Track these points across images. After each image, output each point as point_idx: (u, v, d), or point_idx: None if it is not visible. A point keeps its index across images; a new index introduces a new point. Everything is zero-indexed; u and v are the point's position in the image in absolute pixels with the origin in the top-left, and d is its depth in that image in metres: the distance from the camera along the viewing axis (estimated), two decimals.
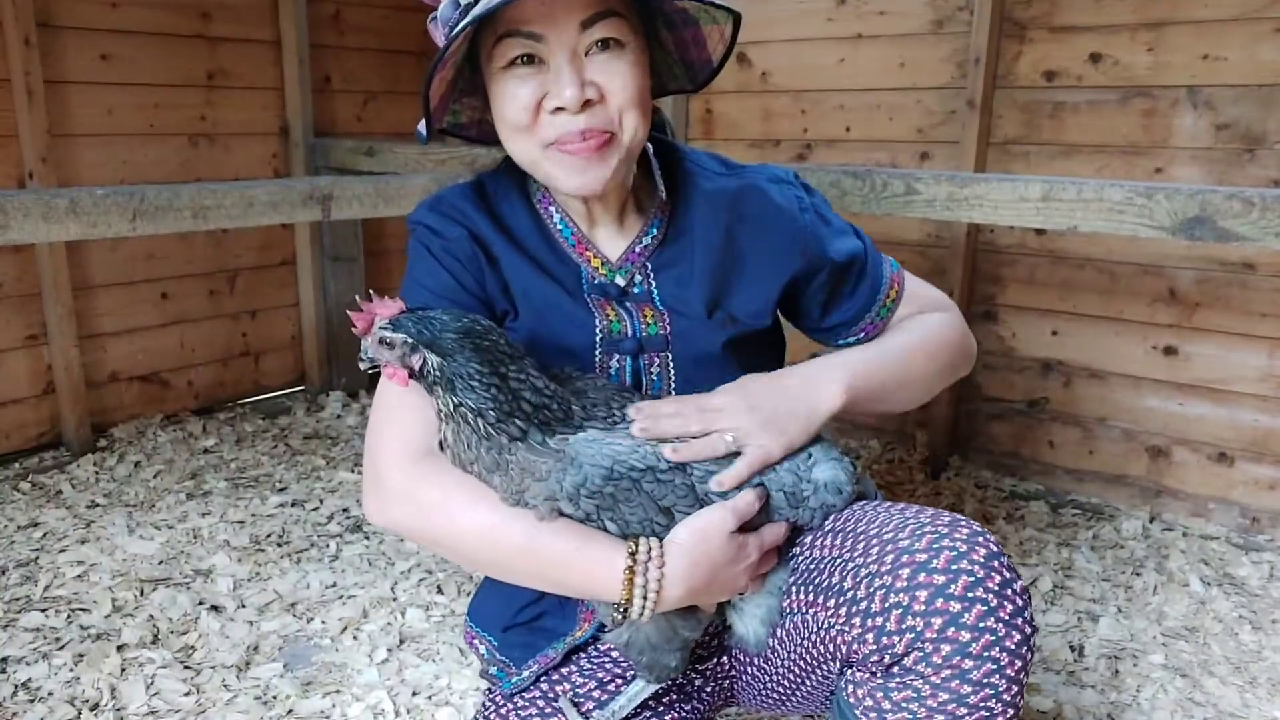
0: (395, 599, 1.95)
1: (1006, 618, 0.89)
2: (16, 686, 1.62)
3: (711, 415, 1.06)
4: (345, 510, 2.36)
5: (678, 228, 1.21)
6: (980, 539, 0.94)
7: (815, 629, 1.04)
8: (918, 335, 1.22)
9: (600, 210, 1.18)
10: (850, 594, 0.97)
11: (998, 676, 0.89)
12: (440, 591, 1.98)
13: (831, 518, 1.10)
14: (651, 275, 1.19)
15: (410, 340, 1.01)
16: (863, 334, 1.25)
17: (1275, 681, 1.75)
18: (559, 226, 1.19)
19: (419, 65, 3.47)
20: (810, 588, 1.05)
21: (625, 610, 1.02)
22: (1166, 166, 2.38)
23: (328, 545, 2.16)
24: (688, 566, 1.01)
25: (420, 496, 1.06)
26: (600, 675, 1.25)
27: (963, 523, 0.96)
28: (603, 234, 1.20)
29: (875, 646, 0.93)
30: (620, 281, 1.18)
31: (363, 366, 1.06)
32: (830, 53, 2.83)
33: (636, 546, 1.01)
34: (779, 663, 1.14)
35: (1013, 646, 0.89)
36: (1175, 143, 2.36)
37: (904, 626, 0.91)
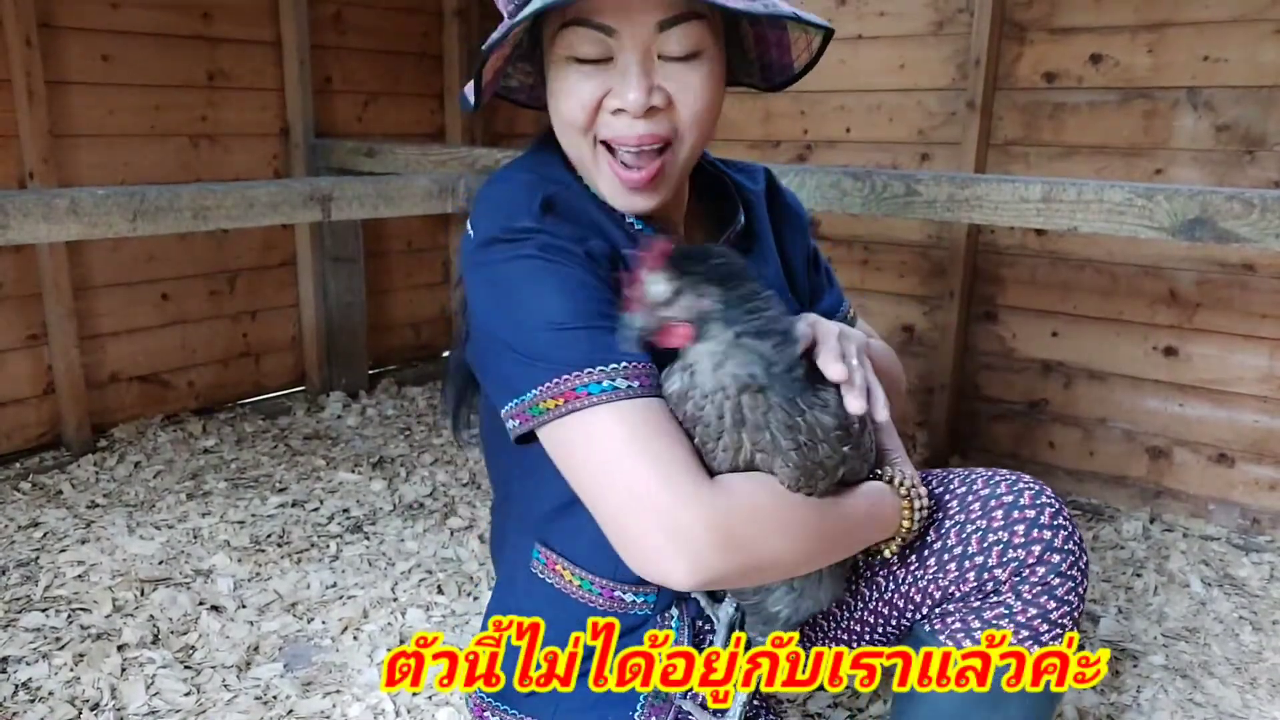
0: (395, 599, 1.95)
1: (1078, 541, 1.05)
2: (16, 686, 1.62)
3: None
4: (345, 510, 2.36)
5: (750, 228, 1.15)
6: (1030, 478, 1.09)
7: (892, 588, 1.12)
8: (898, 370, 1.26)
9: (662, 214, 1.10)
10: (938, 545, 1.07)
11: (1073, 593, 1.03)
12: (440, 591, 1.97)
13: None
14: None
15: (704, 279, 0.85)
16: None
17: (1276, 682, 1.75)
18: (645, 231, 1.07)
19: (419, 66, 3.47)
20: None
21: (913, 521, 1.03)
22: (1167, 168, 2.38)
23: (328, 545, 2.16)
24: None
25: (739, 534, 0.88)
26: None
27: (1003, 471, 1.10)
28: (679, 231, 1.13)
29: (977, 583, 1.04)
30: None
31: (626, 347, 0.89)
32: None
33: (881, 470, 1.02)
34: (843, 625, 1.20)
35: (1083, 565, 1.04)
36: (1175, 144, 2.36)
37: (1006, 559, 1.03)
